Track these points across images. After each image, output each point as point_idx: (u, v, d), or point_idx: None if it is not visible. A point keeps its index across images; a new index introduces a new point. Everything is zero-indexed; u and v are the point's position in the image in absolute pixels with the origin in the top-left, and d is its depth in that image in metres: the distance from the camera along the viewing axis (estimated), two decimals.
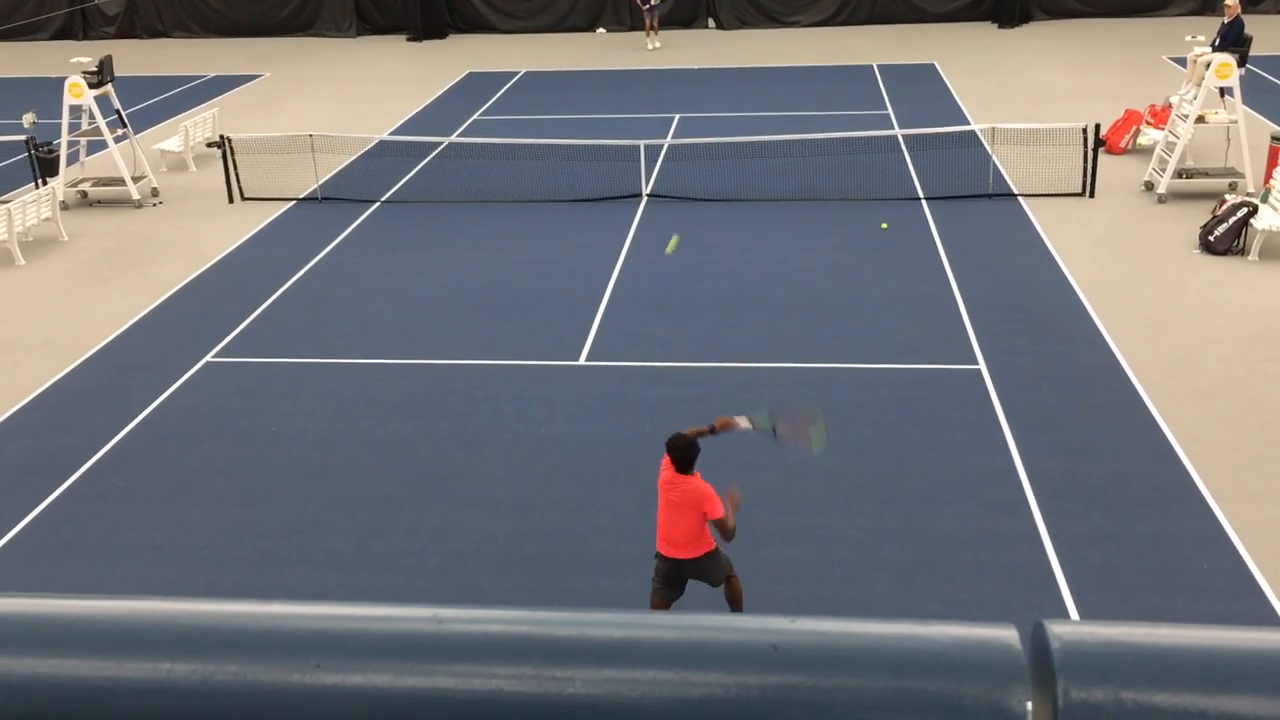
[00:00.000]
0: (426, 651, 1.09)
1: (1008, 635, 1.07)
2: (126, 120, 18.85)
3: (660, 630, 1.10)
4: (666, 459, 7.58)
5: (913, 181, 18.03)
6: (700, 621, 1.11)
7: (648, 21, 30.62)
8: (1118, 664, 1.03)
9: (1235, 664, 1.03)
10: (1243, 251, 14.50)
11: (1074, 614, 8.11)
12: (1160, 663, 1.03)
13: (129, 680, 1.08)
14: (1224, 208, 14.72)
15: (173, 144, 20.39)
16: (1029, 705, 1.04)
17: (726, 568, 7.84)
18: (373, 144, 21.13)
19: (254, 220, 17.48)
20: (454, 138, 20.50)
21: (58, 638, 1.11)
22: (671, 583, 7.74)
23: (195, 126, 20.63)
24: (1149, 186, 17.16)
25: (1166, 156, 16.93)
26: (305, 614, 1.13)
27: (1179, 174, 16.78)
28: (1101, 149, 18.35)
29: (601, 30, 34.02)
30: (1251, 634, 1.07)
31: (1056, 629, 1.07)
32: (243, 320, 13.71)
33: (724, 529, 7.51)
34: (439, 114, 24.34)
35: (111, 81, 18.60)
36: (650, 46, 30.56)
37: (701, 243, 15.68)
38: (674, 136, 21.42)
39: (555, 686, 1.07)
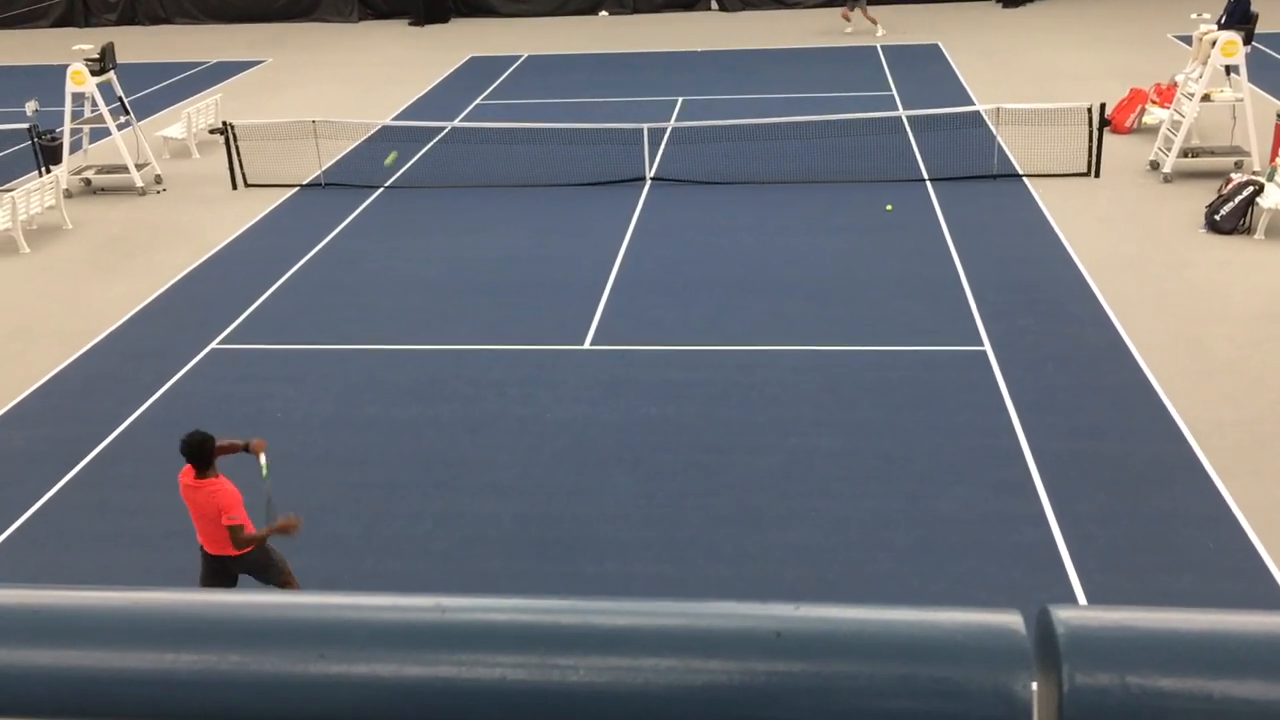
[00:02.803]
0: (430, 640, 1.09)
1: (1012, 620, 1.07)
2: (129, 107, 18.83)
3: (663, 618, 1.10)
4: (189, 466, 7.41)
5: (917, 163, 17.97)
6: (704, 609, 1.11)
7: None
8: (1123, 648, 1.03)
9: (1239, 648, 1.03)
10: (1249, 230, 14.45)
11: (1080, 594, 8.12)
12: (1165, 647, 1.03)
13: (133, 671, 1.08)
14: (1230, 186, 14.67)
15: (176, 131, 20.37)
16: (1034, 690, 1.04)
17: (284, 572, 7.67)
18: (375, 129, 21.10)
19: (257, 207, 17.47)
20: (457, 122, 20.46)
21: (61, 629, 1.11)
22: (219, 578, 7.56)
23: (198, 113, 20.61)
24: (1154, 166, 17.10)
25: (1172, 135, 16.86)
26: (309, 604, 1.13)
27: (1184, 153, 16.71)
28: (1107, 129, 18.27)
29: (604, 13, 33.89)
30: (1255, 617, 1.06)
31: (1061, 614, 1.06)
32: (247, 307, 13.72)
33: (236, 537, 7.33)
34: (441, 99, 24.28)
35: (114, 69, 18.57)
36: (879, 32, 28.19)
37: (706, 225, 15.65)
38: (678, 119, 21.36)
39: (559, 675, 1.07)
